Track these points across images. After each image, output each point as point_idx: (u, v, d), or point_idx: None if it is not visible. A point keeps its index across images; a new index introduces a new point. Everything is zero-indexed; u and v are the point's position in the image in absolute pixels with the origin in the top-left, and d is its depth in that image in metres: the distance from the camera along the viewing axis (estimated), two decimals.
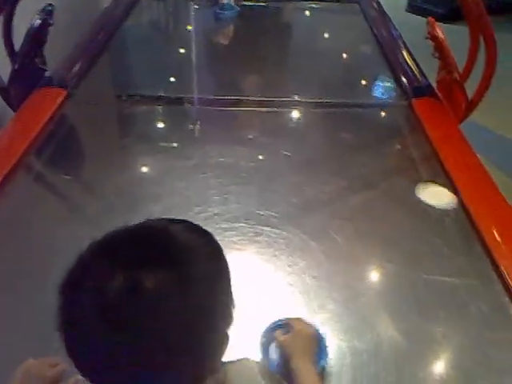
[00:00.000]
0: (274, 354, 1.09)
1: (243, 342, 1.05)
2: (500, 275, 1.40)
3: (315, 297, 1.35)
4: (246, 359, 0.78)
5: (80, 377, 0.84)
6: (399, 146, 2.11)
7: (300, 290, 1.36)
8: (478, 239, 1.52)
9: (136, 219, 1.75)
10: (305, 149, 2.02)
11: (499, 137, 3.28)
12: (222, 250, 0.65)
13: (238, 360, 0.76)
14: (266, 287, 1.38)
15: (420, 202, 1.69)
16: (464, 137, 2.00)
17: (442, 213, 1.67)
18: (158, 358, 0.52)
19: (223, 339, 0.62)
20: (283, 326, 1.12)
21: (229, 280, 0.64)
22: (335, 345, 1.23)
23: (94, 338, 0.53)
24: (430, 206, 1.67)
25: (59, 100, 2.12)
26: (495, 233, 1.52)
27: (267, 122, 2.24)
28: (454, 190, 1.72)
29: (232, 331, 0.66)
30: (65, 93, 2.18)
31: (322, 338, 1.14)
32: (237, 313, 0.68)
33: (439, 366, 1.25)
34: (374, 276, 1.50)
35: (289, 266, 1.44)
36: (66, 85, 2.22)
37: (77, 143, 2.12)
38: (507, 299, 1.34)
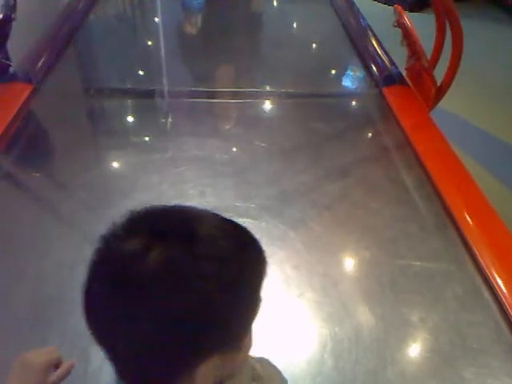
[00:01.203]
0: None
1: None
2: (473, 259, 1.43)
3: (295, 286, 1.36)
4: (267, 361, 0.72)
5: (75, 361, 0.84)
6: (372, 135, 2.14)
7: (280, 280, 1.37)
8: (452, 224, 1.55)
9: (109, 215, 1.72)
10: (280, 139, 2.02)
11: (468, 124, 3.34)
12: (255, 248, 0.63)
13: (260, 359, 0.70)
14: None
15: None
16: (434, 124, 2.04)
17: (415, 197, 1.70)
18: (151, 326, 0.51)
19: (236, 326, 0.58)
20: None
21: (257, 278, 0.60)
22: (316, 333, 1.24)
23: (102, 297, 0.55)
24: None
25: (25, 95, 2.06)
26: (468, 218, 1.56)
27: (241, 113, 2.23)
28: (427, 176, 1.75)
29: None
30: (30, 88, 2.11)
31: None
32: None
33: (417, 349, 1.28)
34: (352, 263, 1.51)
35: (268, 256, 1.43)
36: (31, 79, 2.15)
37: (45, 139, 2.07)
38: (481, 282, 1.38)
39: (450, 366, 1.20)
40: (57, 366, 0.83)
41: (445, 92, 2.13)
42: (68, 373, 0.83)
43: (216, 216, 0.61)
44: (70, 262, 1.39)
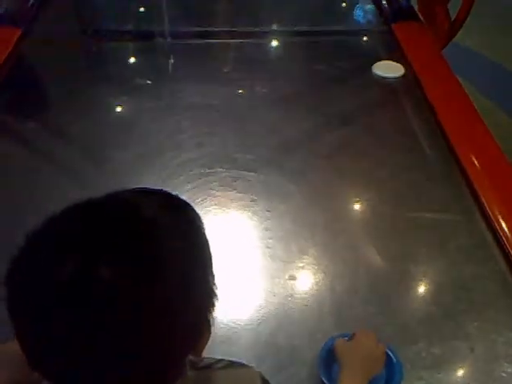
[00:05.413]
0: (334, 367, 0.97)
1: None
2: (481, 210, 1.38)
3: (295, 241, 1.32)
4: (246, 368, 0.62)
5: None
6: (379, 76, 2.02)
7: (279, 235, 1.33)
8: (461, 174, 1.48)
9: (106, 167, 1.67)
10: (282, 83, 1.92)
11: (483, 59, 3.19)
12: (198, 226, 0.57)
13: (233, 366, 0.61)
14: (245, 233, 1.34)
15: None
16: (447, 64, 1.91)
17: (423, 145, 1.63)
18: (106, 351, 0.47)
19: (197, 331, 0.54)
20: (351, 336, 0.98)
21: (206, 259, 0.56)
22: (314, 288, 1.22)
23: (46, 323, 0.48)
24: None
25: (13, 40, 1.95)
26: (476, 163, 1.49)
27: (241, 54, 2.12)
28: (436, 122, 1.67)
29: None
30: (19, 32, 2.00)
31: (394, 362, 0.98)
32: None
33: (420, 303, 1.25)
34: (355, 216, 1.46)
35: (267, 210, 1.39)
36: (19, 23, 2.03)
37: (38, 86, 1.98)
38: (488, 234, 1.33)
39: (452, 319, 1.18)
40: None
41: (459, 28, 2.00)
42: None
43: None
44: None
